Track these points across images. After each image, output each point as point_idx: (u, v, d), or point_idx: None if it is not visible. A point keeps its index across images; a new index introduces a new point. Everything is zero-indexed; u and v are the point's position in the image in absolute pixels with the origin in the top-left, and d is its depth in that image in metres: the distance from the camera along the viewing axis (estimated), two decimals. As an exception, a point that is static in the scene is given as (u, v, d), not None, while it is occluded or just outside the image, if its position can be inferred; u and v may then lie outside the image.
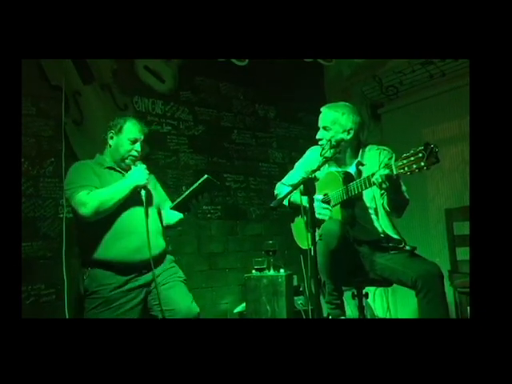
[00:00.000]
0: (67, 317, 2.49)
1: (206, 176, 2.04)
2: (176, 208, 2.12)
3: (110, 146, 2.16)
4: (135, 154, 2.14)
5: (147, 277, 2.04)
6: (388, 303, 3.58)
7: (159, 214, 2.23)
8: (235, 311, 3.30)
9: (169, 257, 2.20)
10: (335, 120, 2.06)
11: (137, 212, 2.06)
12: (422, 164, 1.61)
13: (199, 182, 2.05)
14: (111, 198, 1.99)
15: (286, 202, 2.17)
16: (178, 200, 2.09)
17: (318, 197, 2.04)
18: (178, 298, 2.03)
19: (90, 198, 1.97)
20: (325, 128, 2.09)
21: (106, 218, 2.00)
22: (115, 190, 2.01)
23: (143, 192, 2.06)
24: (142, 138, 2.17)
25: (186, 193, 2.08)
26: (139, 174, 2.07)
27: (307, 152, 2.31)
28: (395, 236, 2.04)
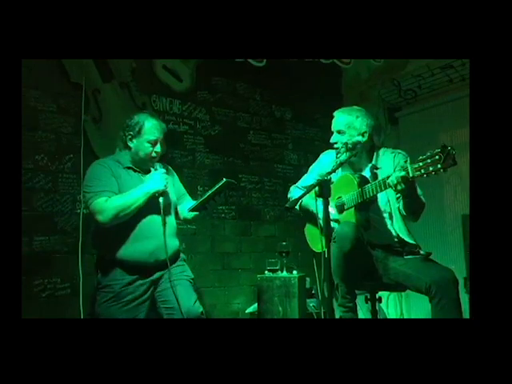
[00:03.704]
0: (81, 311, 2.52)
1: (225, 180, 2.05)
2: (194, 210, 2.15)
3: (130, 148, 2.11)
4: (155, 155, 2.11)
5: (157, 274, 2.06)
6: (401, 309, 3.54)
7: (176, 212, 2.24)
8: (247, 311, 3.30)
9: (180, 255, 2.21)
10: (349, 123, 2.05)
11: (155, 217, 2.05)
12: (439, 166, 1.59)
13: (218, 185, 2.06)
14: (129, 206, 1.97)
15: (297, 206, 2.16)
16: (197, 203, 2.13)
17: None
18: (180, 297, 2.01)
19: (108, 206, 1.96)
20: (339, 132, 2.08)
21: (125, 221, 2.00)
22: (133, 196, 1.99)
23: (161, 199, 2.04)
24: (162, 137, 2.13)
25: (205, 196, 2.10)
26: (158, 180, 2.04)
27: (321, 155, 2.30)
28: (410, 240, 2.02)
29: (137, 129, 2.08)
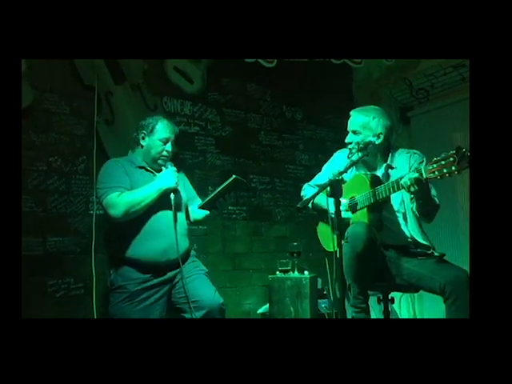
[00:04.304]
0: (95, 310, 2.55)
1: (234, 176, 2.08)
2: (204, 207, 2.16)
3: (142, 146, 2.18)
4: (166, 154, 2.17)
5: (170, 273, 2.08)
6: (414, 310, 3.51)
7: (186, 212, 2.26)
8: (258, 312, 3.30)
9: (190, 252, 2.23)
10: (365, 124, 2.04)
11: (166, 215, 2.08)
12: (453, 168, 1.58)
13: (227, 182, 2.09)
14: (141, 201, 2.02)
15: (310, 204, 2.16)
16: (207, 200, 2.14)
17: (344, 202, 2.02)
18: (201, 290, 2.06)
19: (120, 201, 2.00)
20: (354, 132, 2.06)
21: (137, 219, 2.04)
22: (145, 193, 2.04)
23: (172, 196, 2.08)
24: (173, 137, 2.20)
25: (215, 193, 2.12)
26: (169, 178, 2.09)
27: (335, 154, 2.29)
28: (423, 242, 2.00)
29: (150, 128, 2.17)
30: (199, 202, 2.31)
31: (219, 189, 2.11)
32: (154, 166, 2.18)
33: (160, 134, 2.16)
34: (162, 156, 2.17)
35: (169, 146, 2.17)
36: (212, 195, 2.14)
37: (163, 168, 2.16)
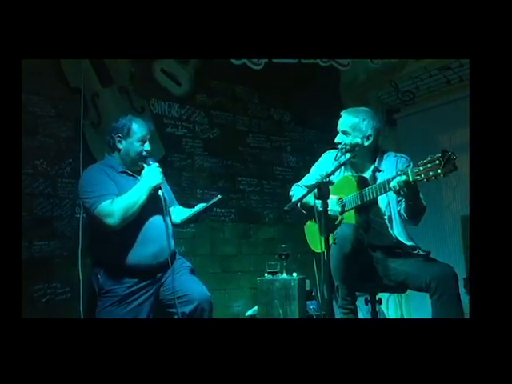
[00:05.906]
0: (82, 315, 2.52)
1: (219, 196, 2.15)
2: (186, 222, 2.24)
3: (120, 150, 2.12)
4: (145, 154, 2.13)
5: (159, 275, 2.09)
6: (402, 310, 3.54)
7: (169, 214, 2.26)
8: (247, 314, 3.30)
9: None
10: (355, 125, 2.05)
11: (157, 218, 2.08)
12: (439, 171, 1.60)
13: (213, 201, 2.16)
14: (135, 204, 1.98)
15: (299, 204, 2.17)
16: (190, 215, 2.19)
17: (334, 198, 2.03)
18: (189, 284, 2.08)
19: (114, 208, 1.95)
20: (344, 132, 2.07)
21: (127, 226, 2.00)
22: (136, 194, 2.00)
23: (161, 192, 2.08)
24: (149, 136, 2.17)
25: (199, 210, 2.17)
26: (154, 174, 2.07)
27: (323, 155, 2.30)
28: (409, 243, 2.02)
29: (125, 130, 2.11)
30: (176, 204, 2.33)
31: (205, 206, 2.16)
32: (133, 167, 2.14)
33: (137, 134, 2.12)
34: (142, 157, 2.13)
35: (147, 146, 2.14)
36: (195, 211, 2.18)
37: (144, 166, 2.12)
